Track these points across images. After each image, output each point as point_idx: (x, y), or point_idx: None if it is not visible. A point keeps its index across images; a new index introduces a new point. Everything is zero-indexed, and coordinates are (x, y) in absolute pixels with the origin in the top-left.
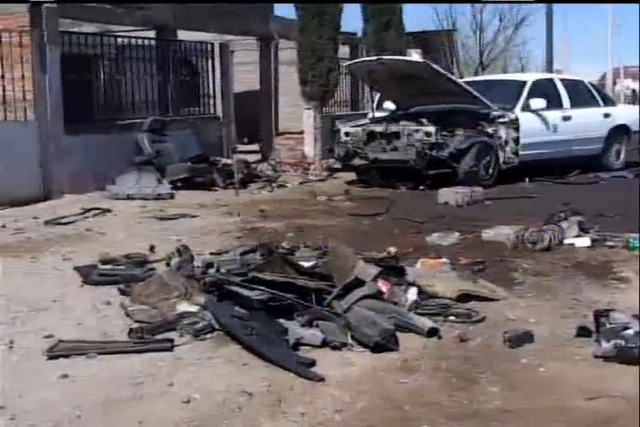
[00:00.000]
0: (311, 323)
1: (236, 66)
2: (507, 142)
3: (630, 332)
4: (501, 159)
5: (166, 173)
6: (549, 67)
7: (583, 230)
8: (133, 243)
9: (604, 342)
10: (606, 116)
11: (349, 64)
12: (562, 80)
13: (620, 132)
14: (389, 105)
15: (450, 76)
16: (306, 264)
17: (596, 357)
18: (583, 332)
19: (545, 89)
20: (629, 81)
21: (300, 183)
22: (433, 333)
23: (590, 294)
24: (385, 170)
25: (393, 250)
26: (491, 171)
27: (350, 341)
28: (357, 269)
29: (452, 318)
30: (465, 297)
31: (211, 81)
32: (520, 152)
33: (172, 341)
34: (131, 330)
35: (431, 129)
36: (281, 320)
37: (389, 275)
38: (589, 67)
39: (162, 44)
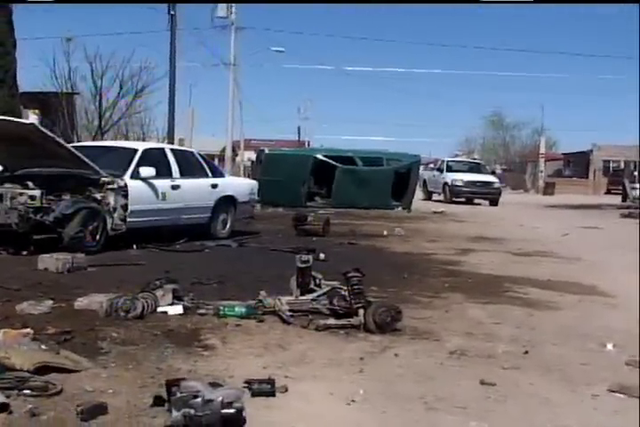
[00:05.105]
0: None
1: None
2: (115, 209)
3: (199, 400)
4: (109, 225)
5: None
6: (170, 136)
7: (178, 298)
8: None
9: (174, 412)
10: (214, 186)
11: None
12: (172, 150)
13: (227, 202)
14: None
15: (57, 139)
16: None
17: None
18: (158, 401)
19: (155, 158)
20: (250, 153)
21: None
22: (3, 408)
23: (174, 363)
24: None
25: None
26: (98, 237)
27: None
28: None
29: (27, 391)
30: (45, 369)
31: None
32: (128, 219)
33: None
34: None
35: (36, 192)
36: None
37: None
38: (214, 138)
39: None
